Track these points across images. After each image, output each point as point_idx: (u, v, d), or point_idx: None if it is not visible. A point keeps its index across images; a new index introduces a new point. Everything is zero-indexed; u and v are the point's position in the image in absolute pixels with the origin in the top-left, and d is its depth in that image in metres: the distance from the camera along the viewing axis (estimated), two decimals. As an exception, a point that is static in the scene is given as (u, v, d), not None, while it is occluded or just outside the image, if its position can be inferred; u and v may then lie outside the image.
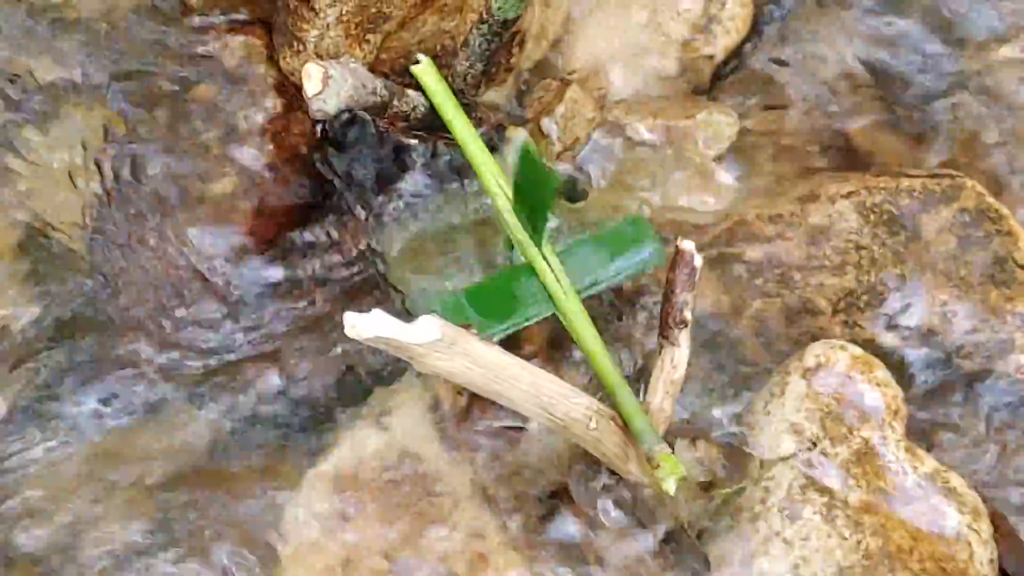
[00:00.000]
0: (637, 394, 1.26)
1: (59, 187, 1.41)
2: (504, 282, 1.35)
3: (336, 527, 1.28)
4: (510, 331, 1.32)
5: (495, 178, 1.33)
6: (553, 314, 1.32)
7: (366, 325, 1.13)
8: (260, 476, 1.32)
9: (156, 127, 1.43)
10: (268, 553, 1.28)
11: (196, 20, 1.46)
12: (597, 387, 1.28)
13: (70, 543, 1.29)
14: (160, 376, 1.35)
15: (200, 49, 1.45)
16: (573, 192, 1.41)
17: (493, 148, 1.40)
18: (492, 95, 1.46)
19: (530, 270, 1.32)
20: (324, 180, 1.42)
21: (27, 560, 1.31)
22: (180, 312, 1.37)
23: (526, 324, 1.33)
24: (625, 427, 1.24)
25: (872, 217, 1.42)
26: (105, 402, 1.35)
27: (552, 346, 1.35)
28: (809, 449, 1.28)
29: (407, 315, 1.26)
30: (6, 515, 1.32)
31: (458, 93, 1.37)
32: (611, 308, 1.38)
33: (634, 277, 1.37)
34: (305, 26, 1.38)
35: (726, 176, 1.46)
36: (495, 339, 1.28)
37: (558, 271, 1.31)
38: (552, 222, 1.35)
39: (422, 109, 1.37)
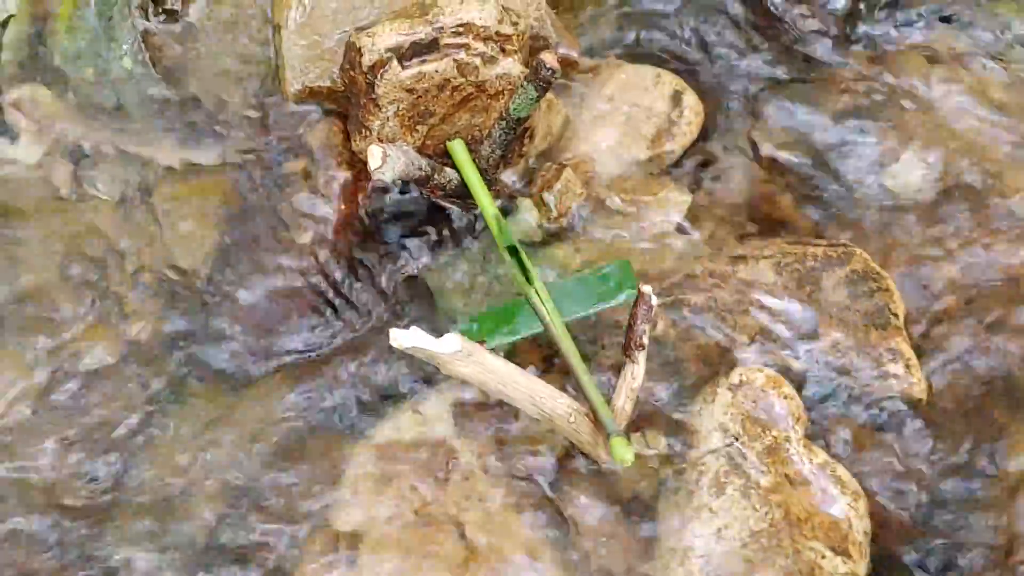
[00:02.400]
0: (605, 397, 1.28)
1: (186, 235, 1.42)
2: (508, 309, 1.37)
3: (379, 486, 1.29)
4: (509, 342, 1.33)
5: (505, 233, 1.34)
6: (545, 336, 1.32)
7: (406, 338, 1.19)
8: (325, 442, 1.33)
9: (260, 190, 1.44)
10: (329, 495, 1.30)
11: (292, 110, 1.45)
12: (576, 390, 1.29)
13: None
14: (256, 363, 1.38)
15: (294, 132, 1.45)
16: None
17: (507, 212, 1.44)
18: (508, 174, 1.47)
19: (528, 302, 1.32)
20: (380, 232, 1.43)
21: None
22: (278, 323, 1.39)
23: (519, 338, 1.34)
24: (596, 421, 1.27)
25: (785, 274, 1.41)
26: (221, 374, 1.37)
27: (544, 361, 1.36)
28: (731, 444, 1.30)
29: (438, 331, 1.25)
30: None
31: (482, 171, 1.39)
32: (589, 334, 1.38)
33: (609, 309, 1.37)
34: (371, 118, 1.38)
35: (678, 239, 1.46)
36: (499, 348, 1.32)
37: (547, 303, 1.31)
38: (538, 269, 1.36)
39: (455, 182, 1.39)
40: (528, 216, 1.46)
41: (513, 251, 1.34)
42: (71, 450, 1.32)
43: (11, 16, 1.47)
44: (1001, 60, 1.58)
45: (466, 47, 1.37)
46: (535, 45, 1.45)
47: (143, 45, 1.45)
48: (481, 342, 1.26)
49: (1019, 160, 1.52)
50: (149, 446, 1.33)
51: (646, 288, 1.28)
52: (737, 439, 1.31)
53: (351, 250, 1.43)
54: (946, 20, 1.60)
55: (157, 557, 1.28)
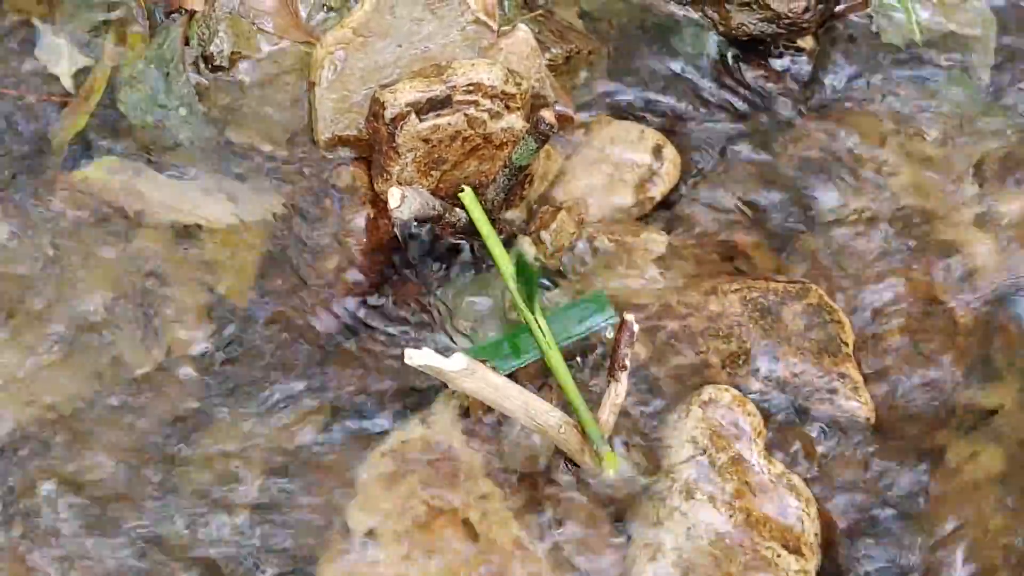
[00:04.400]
0: (592, 411, 1.28)
1: (235, 258, 1.41)
2: (510, 338, 1.36)
3: (390, 486, 1.29)
4: (514, 369, 1.33)
5: (508, 267, 1.34)
6: (540, 358, 1.33)
7: (419, 357, 1.18)
8: (343, 447, 1.33)
9: (294, 225, 1.43)
10: (345, 495, 1.29)
11: (324, 157, 1.45)
12: (566, 405, 1.29)
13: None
14: (289, 368, 1.37)
15: (325, 175, 1.44)
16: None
17: (509, 248, 1.41)
18: (510, 215, 1.47)
19: (527, 328, 1.32)
20: (399, 263, 1.43)
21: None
22: (309, 339, 1.38)
23: (523, 365, 1.34)
24: (583, 432, 1.28)
25: (750, 306, 1.41)
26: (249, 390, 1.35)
27: (539, 378, 1.36)
28: (701, 454, 1.31)
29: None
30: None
31: (488, 212, 1.39)
32: (579, 357, 1.38)
33: (595, 332, 1.37)
34: (391, 163, 1.39)
35: (657, 274, 1.45)
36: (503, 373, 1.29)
37: (545, 329, 1.30)
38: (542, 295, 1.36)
39: (464, 221, 1.40)
40: (527, 252, 1.46)
41: (523, 277, 1.31)
42: (121, 454, 1.31)
43: (98, 61, 1.48)
44: (936, 122, 1.60)
45: (476, 104, 1.38)
46: (536, 103, 1.45)
47: (197, 97, 1.46)
48: (484, 361, 1.25)
49: (948, 209, 1.53)
50: (192, 449, 1.33)
51: (628, 316, 1.28)
52: (705, 451, 1.31)
53: (374, 276, 1.43)
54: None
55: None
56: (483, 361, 1.25)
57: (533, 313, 1.31)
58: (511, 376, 1.30)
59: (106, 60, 1.47)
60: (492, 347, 1.35)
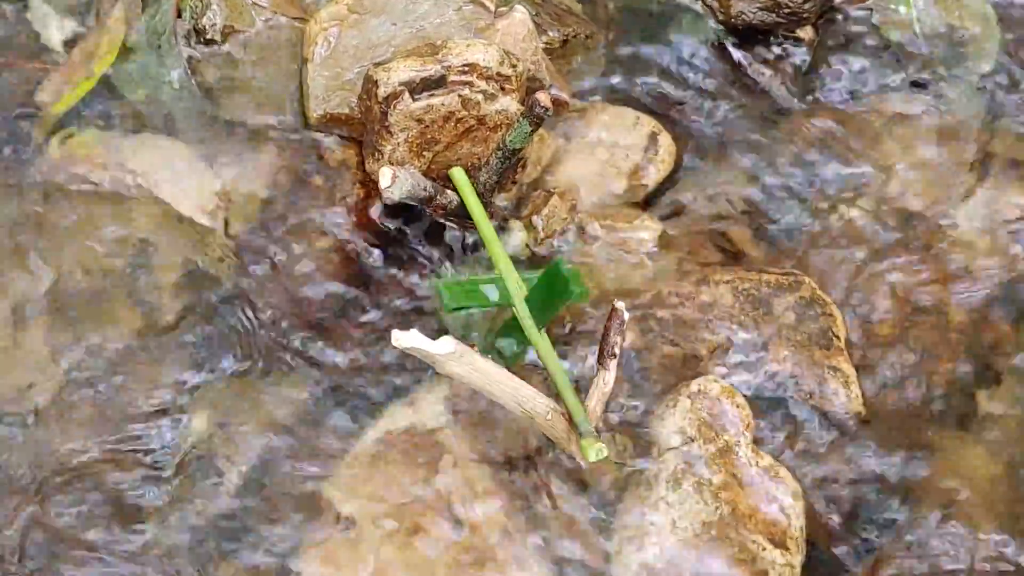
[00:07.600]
0: (579, 399, 1.28)
1: (222, 234, 1.41)
2: (510, 332, 1.35)
3: (375, 470, 1.30)
4: (476, 308, 1.34)
5: (499, 251, 1.35)
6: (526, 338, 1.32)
7: (406, 339, 1.19)
8: (328, 430, 1.33)
9: (283, 202, 1.43)
10: (329, 480, 1.30)
11: (314, 135, 1.45)
12: (554, 392, 1.29)
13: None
14: (275, 349, 1.37)
15: (316, 153, 1.44)
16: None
17: (499, 233, 1.41)
18: (502, 198, 1.46)
19: (517, 323, 1.32)
20: (388, 244, 1.43)
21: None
22: (295, 320, 1.38)
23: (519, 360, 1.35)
24: (570, 420, 1.27)
25: (742, 297, 1.42)
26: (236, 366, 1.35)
27: (527, 365, 1.36)
28: (688, 444, 1.31)
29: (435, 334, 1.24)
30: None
31: (480, 195, 1.39)
32: (567, 345, 1.38)
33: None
34: (383, 143, 1.39)
35: (648, 263, 1.46)
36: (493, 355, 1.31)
37: (531, 316, 1.31)
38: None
39: (456, 203, 1.40)
40: (518, 237, 1.46)
41: (547, 289, 1.31)
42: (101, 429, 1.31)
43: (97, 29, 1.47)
44: (933, 117, 1.60)
45: (470, 84, 1.37)
46: (531, 86, 1.44)
47: (188, 70, 1.45)
48: (472, 345, 1.25)
49: (943, 205, 1.54)
50: (175, 428, 1.33)
51: (619, 304, 1.29)
52: (693, 441, 1.32)
53: (362, 258, 1.42)
54: (916, 85, 1.61)
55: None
56: (471, 345, 1.24)
57: (519, 298, 1.32)
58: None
59: (110, 31, 1.46)
60: (455, 289, 1.34)
